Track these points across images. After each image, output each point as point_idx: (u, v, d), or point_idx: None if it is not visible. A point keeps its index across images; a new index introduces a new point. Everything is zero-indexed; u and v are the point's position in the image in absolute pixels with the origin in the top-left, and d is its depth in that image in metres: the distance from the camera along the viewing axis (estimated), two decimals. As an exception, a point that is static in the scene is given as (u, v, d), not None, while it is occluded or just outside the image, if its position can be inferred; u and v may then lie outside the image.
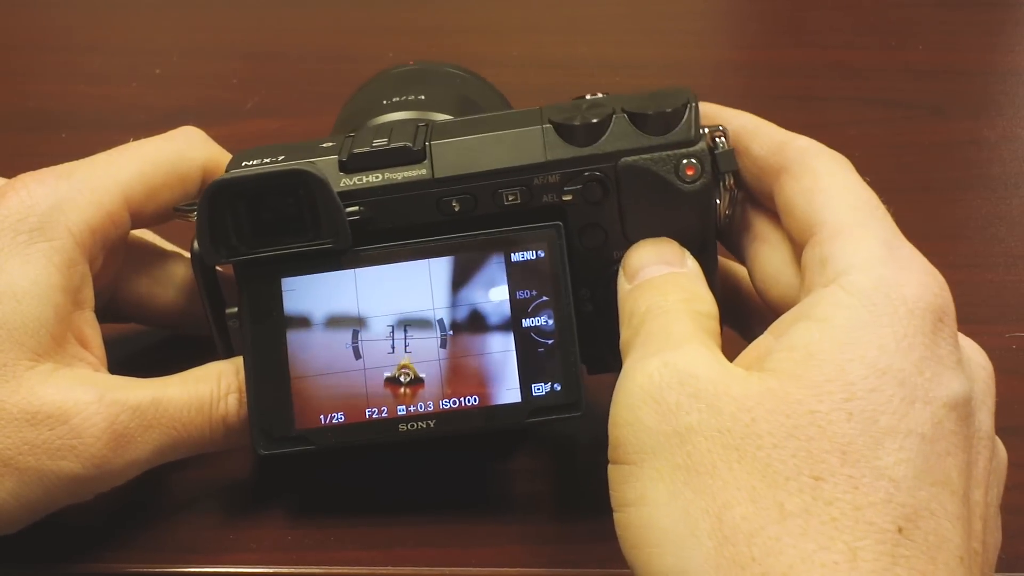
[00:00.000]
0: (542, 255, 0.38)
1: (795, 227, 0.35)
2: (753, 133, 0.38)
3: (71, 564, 0.40)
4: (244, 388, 0.38)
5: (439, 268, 0.38)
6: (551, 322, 0.38)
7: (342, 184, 0.38)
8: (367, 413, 0.38)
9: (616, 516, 0.31)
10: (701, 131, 0.37)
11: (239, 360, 0.39)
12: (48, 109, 0.67)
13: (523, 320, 0.38)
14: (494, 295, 0.38)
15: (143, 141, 0.41)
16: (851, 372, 0.30)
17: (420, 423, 0.38)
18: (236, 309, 0.39)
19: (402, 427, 0.38)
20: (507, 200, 0.38)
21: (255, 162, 0.38)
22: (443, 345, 0.38)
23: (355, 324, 0.38)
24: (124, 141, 0.41)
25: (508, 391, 0.38)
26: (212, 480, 0.43)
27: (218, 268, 0.41)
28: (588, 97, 0.39)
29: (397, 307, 0.38)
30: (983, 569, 0.30)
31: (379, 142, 0.38)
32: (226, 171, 0.39)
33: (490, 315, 0.38)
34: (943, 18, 0.74)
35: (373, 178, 0.38)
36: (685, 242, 0.37)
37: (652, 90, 0.38)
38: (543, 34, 0.74)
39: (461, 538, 0.40)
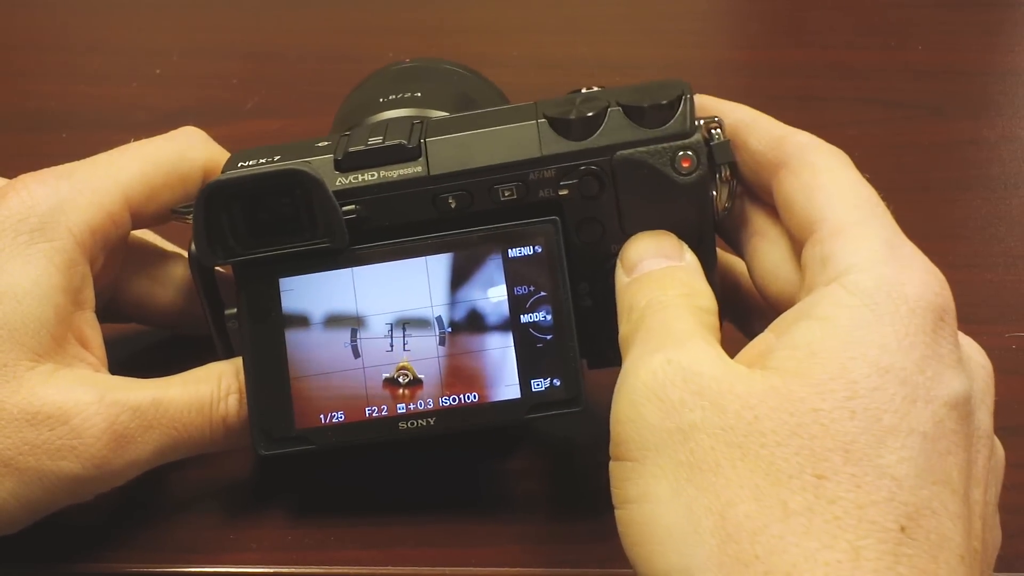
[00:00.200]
0: (539, 250, 0.38)
1: (794, 224, 0.35)
2: (751, 127, 0.37)
3: (71, 564, 0.39)
4: (244, 389, 0.38)
5: (436, 265, 0.38)
6: (549, 317, 0.38)
7: (338, 183, 0.38)
8: (367, 412, 0.38)
9: (617, 513, 0.31)
10: (697, 123, 0.37)
11: (239, 361, 0.39)
12: (48, 109, 0.67)
13: (521, 316, 0.38)
14: (492, 291, 0.38)
15: (144, 141, 0.41)
16: (853, 370, 0.30)
17: (420, 421, 0.38)
18: (235, 310, 0.39)
19: (402, 425, 0.38)
20: (503, 196, 0.38)
21: (251, 163, 0.38)
22: (442, 342, 0.38)
23: (353, 323, 0.38)
24: (124, 141, 0.41)
25: (507, 387, 0.38)
26: (212, 480, 0.42)
27: (217, 269, 0.41)
28: (583, 91, 0.39)
29: (395, 305, 0.38)
30: (982, 568, 0.30)
31: (374, 140, 0.38)
32: (222, 172, 0.39)
33: (488, 311, 0.38)
34: (943, 18, 0.74)
35: (369, 176, 0.38)
36: (683, 235, 0.37)
37: (647, 82, 0.38)
38: (543, 34, 0.74)
39: (461, 538, 0.40)
